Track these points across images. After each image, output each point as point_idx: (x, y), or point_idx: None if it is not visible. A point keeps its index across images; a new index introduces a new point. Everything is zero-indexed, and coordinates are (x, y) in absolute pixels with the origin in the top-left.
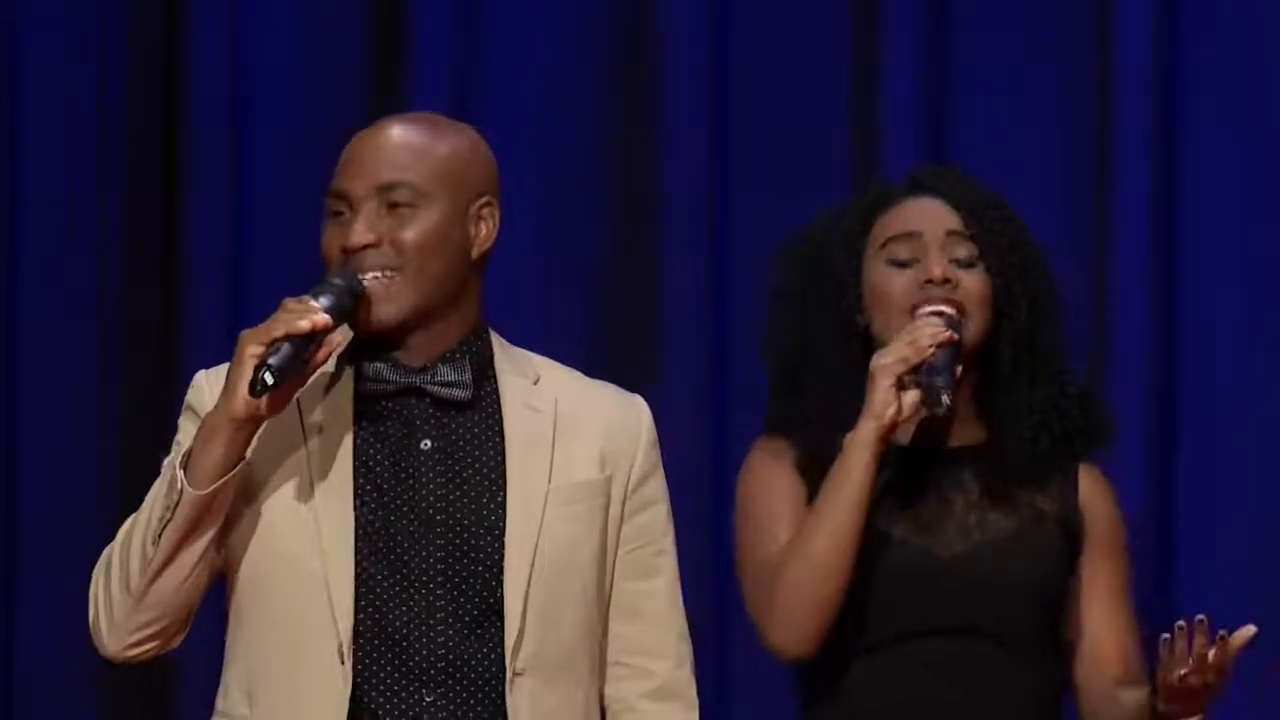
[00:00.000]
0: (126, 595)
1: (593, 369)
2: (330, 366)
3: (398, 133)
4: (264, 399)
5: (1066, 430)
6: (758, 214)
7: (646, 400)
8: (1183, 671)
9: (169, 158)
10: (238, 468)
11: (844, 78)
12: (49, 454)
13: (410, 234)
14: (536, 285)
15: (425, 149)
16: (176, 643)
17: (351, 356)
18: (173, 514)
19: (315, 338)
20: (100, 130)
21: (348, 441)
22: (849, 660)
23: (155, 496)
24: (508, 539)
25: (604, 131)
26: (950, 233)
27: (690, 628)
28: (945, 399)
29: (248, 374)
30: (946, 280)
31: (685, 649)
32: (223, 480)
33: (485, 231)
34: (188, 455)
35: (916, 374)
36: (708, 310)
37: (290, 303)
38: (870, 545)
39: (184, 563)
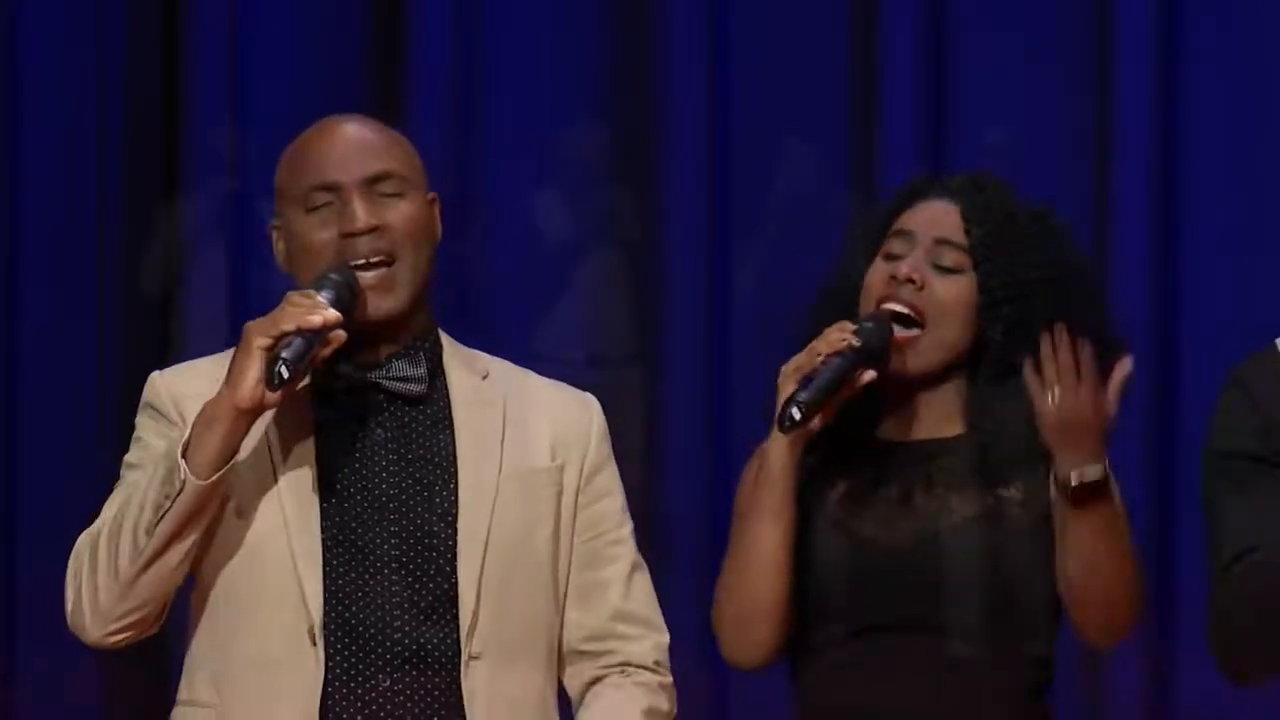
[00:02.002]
0: (114, 583)
1: (594, 369)
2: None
3: (365, 127)
4: (276, 392)
5: (1034, 435)
6: (758, 216)
7: (648, 400)
8: (1056, 390)
9: (169, 157)
10: (234, 458)
11: (843, 78)
12: (49, 454)
13: (403, 221)
14: (538, 285)
15: (396, 141)
16: (154, 629)
17: None
18: (172, 504)
19: (323, 333)
20: (100, 131)
21: (308, 436)
22: (809, 657)
23: (148, 487)
24: (460, 525)
25: (604, 133)
26: (940, 240)
27: (691, 626)
28: (794, 414)
29: (256, 365)
30: (910, 280)
31: (652, 631)
32: (223, 470)
33: (438, 224)
34: (186, 446)
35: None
36: (708, 310)
37: (296, 296)
38: (827, 540)
39: (175, 554)
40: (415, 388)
